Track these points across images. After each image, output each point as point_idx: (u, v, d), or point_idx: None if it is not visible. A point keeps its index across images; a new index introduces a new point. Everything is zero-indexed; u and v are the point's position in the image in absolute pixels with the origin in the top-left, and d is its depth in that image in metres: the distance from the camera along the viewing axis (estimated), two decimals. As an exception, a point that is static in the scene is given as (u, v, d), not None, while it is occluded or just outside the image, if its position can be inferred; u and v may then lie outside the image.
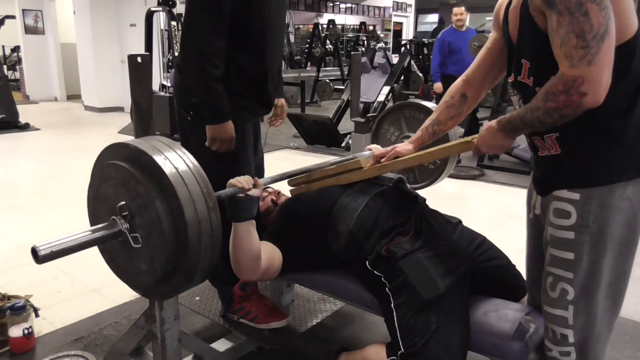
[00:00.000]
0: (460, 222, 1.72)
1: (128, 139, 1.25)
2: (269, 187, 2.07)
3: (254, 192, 1.46)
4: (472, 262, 1.57)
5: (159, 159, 1.12)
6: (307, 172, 1.83)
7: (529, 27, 1.18)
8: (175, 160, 1.14)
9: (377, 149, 1.84)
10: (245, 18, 1.76)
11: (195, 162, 1.18)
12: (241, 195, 1.43)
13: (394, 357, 1.39)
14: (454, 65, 5.49)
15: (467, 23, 5.64)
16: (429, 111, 2.16)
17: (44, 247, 1.05)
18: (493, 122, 1.29)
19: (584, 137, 1.18)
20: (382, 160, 1.71)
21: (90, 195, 1.28)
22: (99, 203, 1.25)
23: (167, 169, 1.11)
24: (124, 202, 1.16)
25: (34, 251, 1.04)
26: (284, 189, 1.98)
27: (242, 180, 1.44)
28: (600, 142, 1.18)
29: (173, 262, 1.14)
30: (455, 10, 5.54)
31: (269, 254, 1.62)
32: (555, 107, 1.10)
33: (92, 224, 1.28)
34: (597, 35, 1.03)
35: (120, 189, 1.17)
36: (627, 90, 1.14)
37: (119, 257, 1.25)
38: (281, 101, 2.20)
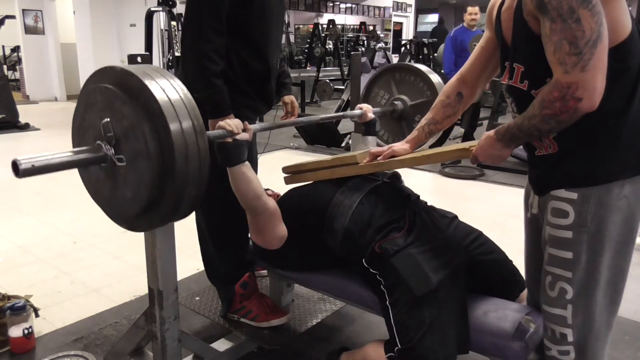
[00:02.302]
0: (455, 217, 1.72)
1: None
2: (268, 190, 2.08)
3: (243, 136, 1.47)
4: (468, 255, 1.57)
5: (146, 81, 1.10)
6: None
7: (522, 31, 1.18)
8: (163, 84, 1.12)
9: (368, 108, 1.89)
10: (245, 14, 1.79)
11: (184, 88, 1.16)
12: (229, 140, 1.44)
13: (391, 354, 1.40)
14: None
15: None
16: (419, 73, 2.16)
17: (25, 161, 1.03)
18: (491, 132, 1.30)
19: (581, 136, 1.18)
20: (378, 158, 1.72)
21: (76, 124, 1.25)
22: (84, 132, 1.22)
23: (154, 89, 1.09)
24: (108, 120, 1.13)
25: (15, 164, 1.02)
26: (280, 183, 1.98)
27: (231, 124, 1.44)
28: (597, 141, 1.18)
29: (159, 185, 1.11)
30: (470, 9, 5.46)
31: (279, 209, 1.65)
32: (552, 113, 1.11)
33: None
34: (590, 41, 1.03)
35: (106, 113, 1.14)
36: (623, 90, 1.15)
37: (104, 187, 1.23)
38: (290, 97, 2.19)
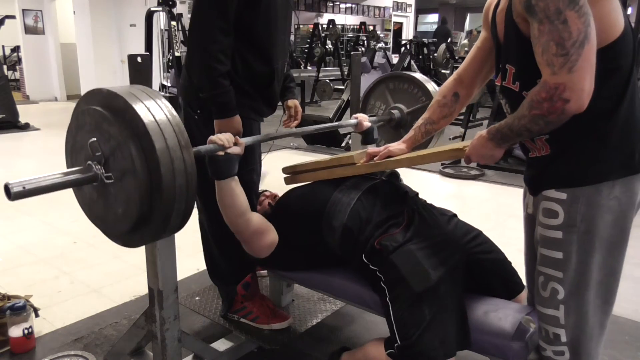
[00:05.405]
0: (455, 215, 1.73)
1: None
2: (266, 191, 2.08)
3: (234, 150, 1.47)
4: (466, 253, 1.57)
5: (131, 100, 1.13)
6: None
7: (513, 33, 1.18)
8: (148, 103, 1.15)
9: (363, 117, 1.89)
10: (252, 17, 1.78)
11: (169, 106, 1.18)
12: (221, 153, 1.44)
13: (391, 351, 1.41)
14: None
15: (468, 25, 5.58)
16: (412, 80, 2.17)
17: (16, 185, 1.05)
18: (483, 132, 1.30)
19: (571, 137, 1.19)
20: (375, 158, 1.72)
21: (68, 146, 1.28)
22: (76, 153, 1.25)
23: (139, 108, 1.12)
24: (95, 139, 1.15)
25: (7, 188, 1.04)
26: (280, 184, 1.98)
27: (223, 138, 1.45)
28: (587, 142, 1.18)
29: (148, 202, 1.13)
30: None
31: (264, 222, 1.66)
32: (540, 114, 1.11)
33: None
34: (577, 42, 1.04)
35: (95, 134, 1.17)
36: (613, 91, 1.15)
37: (97, 206, 1.25)
38: (294, 102, 2.17)
